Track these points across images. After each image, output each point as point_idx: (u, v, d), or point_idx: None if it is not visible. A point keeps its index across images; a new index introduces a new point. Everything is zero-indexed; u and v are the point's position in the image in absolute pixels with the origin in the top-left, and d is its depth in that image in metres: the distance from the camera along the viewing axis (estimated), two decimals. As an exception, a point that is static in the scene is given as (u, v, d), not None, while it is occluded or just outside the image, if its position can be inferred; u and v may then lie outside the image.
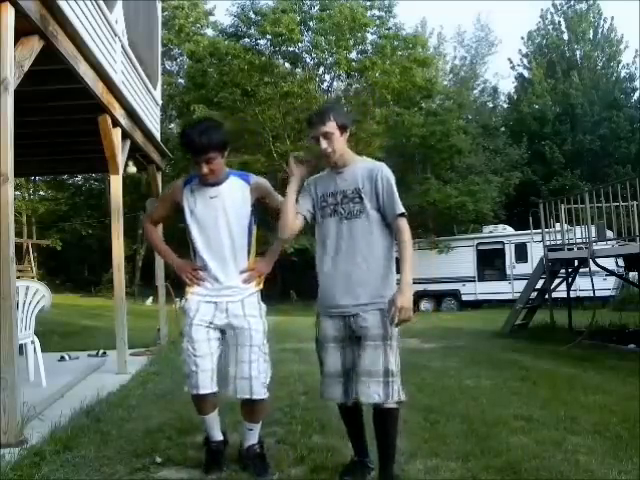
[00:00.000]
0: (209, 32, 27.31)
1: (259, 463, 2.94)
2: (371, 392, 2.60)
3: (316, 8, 22.35)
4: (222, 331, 2.91)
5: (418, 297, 18.93)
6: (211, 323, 2.88)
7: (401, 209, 2.72)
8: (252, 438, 2.98)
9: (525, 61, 30.63)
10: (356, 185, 2.74)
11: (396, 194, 2.74)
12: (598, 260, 8.29)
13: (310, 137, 2.81)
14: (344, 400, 2.73)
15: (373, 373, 2.61)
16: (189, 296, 2.92)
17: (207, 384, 2.83)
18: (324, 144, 2.72)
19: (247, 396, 2.85)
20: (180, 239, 3.16)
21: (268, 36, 21.49)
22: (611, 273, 10.66)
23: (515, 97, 30.74)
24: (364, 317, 2.67)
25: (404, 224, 2.71)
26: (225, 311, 2.87)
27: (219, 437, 3.02)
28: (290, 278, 28.35)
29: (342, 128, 2.74)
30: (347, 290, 2.72)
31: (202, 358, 2.83)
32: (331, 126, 2.70)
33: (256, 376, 2.83)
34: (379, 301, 2.68)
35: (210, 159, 2.78)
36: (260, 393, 2.85)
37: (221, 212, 2.87)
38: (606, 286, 14.04)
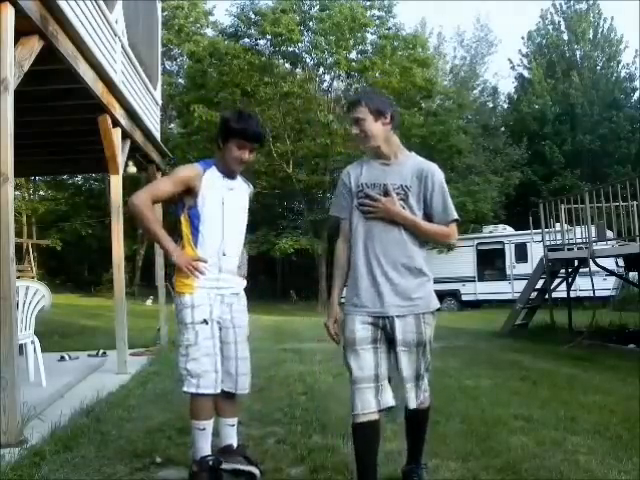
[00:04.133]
0: (209, 32, 27.36)
1: (250, 461, 2.87)
2: (411, 398, 2.56)
3: (316, 8, 22.34)
4: (222, 326, 2.89)
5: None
6: (220, 317, 2.84)
7: (454, 215, 2.62)
8: (235, 434, 2.95)
9: (525, 61, 30.66)
10: (403, 182, 2.58)
11: (449, 199, 2.63)
12: (598, 260, 8.29)
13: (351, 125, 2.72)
14: (377, 408, 2.49)
15: (409, 379, 2.56)
16: (197, 290, 2.77)
17: (220, 383, 2.80)
18: (355, 129, 2.64)
19: (246, 391, 2.92)
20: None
21: (268, 36, 21.50)
22: (611, 273, 10.66)
23: (515, 97, 30.76)
24: (401, 321, 2.53)
25: (453, 229, 2.64)
26: (230, 306, 2.88)
27: (210, 451, 2.82)
28: (290, 278, 28.36)
29: (377, 113, 2.59)
30: (382, 291, 2.55)
31: (218, 357, 2.80)
32: (362, 111, 2.59)
33: (250, 371, 2.93)
34: (414, 304, 2.56)
35: (254, 149, 2.89)
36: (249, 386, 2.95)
37: (238, 205, 2.94)
38: (606, 286, 14.04)
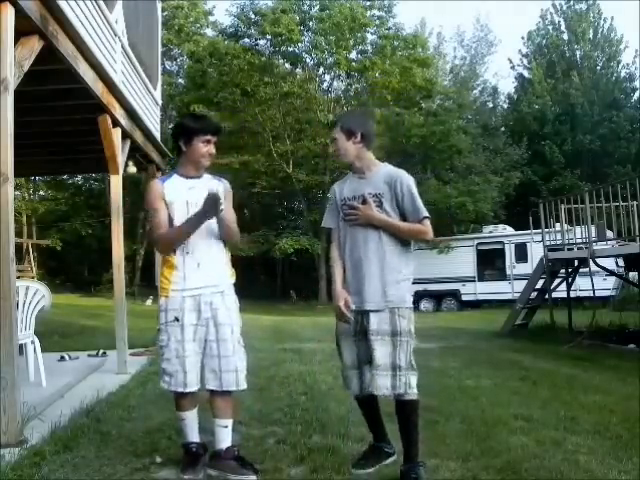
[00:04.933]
0: (209, 32, 27.38)
1: (243, 463, 2.89)
2: (380, 385, 2.77)
3: (316, 8, 22.38)
4: (204, 326, 2.93)
5: (418, 297, 18.96)
6: (198, 319, 2.91)
7: (424, 213, 2.89)
8: (229, 438, 2.95)
9: (525, 61, 30.67)
10: (377, 190, 2.91)
11: (418, 199, 2.89)
12: (598, 260, 8.29)
13: None
14: (358, 392, 2.92)
15: (382, 367, 2.77)
16: (171, 293, 2.92)
17: (193, 382, 2.90)
18: (331, 147, 3.18)
19: (233, 388, 2.93)
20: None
21: (268, 36, 21.52)
22: (611, 273, 10.66)
23: (515, 97, 30.76)
24: (376, 316, 2.82)
25: (427, 226, 2.90)
26: (209, 304, 2.92)
27: (198, 439, 3.02)
28: (290, 278, 28.36)
29: (348, 133, 2.93)
30: (361, 289, 2.88)
31: (190, 358, 2.88)
32: (335, 131, 2.99)
33: (240, 369, 2.94)
34: (388, 300, 2.84)
35: (216, 142, 3.01)
36: (244, 384, 2.96)
37: (201, 202, 2.90)
38: (606, 286, 14.03)
